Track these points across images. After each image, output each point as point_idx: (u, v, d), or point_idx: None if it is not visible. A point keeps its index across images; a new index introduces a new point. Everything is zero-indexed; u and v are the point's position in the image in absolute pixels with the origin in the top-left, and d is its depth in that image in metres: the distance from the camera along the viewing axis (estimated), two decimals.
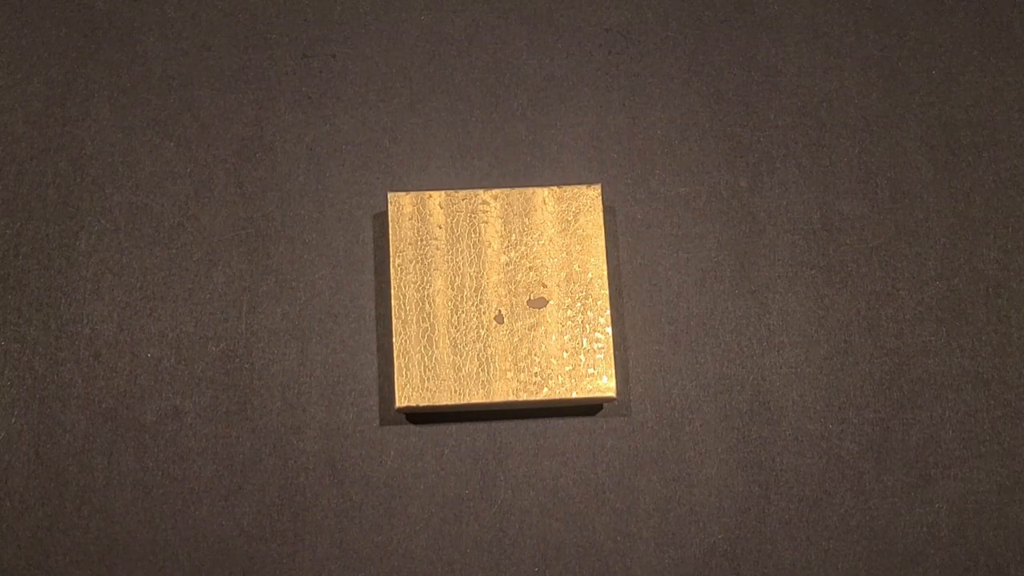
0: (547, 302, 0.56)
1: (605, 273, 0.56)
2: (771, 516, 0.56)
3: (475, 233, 0.57)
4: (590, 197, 0.57)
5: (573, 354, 0.55)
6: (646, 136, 0.61)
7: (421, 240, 0.57)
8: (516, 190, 0.57)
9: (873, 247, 0.60)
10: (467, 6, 0.63)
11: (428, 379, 0.55)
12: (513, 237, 0.57)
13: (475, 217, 0.57)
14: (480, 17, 0.63)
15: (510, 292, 0.56)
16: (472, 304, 0.56)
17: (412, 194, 0.57)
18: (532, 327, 0.56)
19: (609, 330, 0.55)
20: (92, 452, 0.56)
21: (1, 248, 0.59)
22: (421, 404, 0.55)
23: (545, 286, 0.56)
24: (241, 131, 0.61)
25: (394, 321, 0.55)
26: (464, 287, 0.56)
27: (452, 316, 0.56)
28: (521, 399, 0.55)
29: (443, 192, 0.57)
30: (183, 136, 0.61)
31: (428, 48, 0.62)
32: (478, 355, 0.55)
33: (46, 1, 0.63)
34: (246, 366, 0.57)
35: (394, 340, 0.55)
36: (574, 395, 0.55)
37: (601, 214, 0.57)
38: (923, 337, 0.58)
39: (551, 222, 0.57)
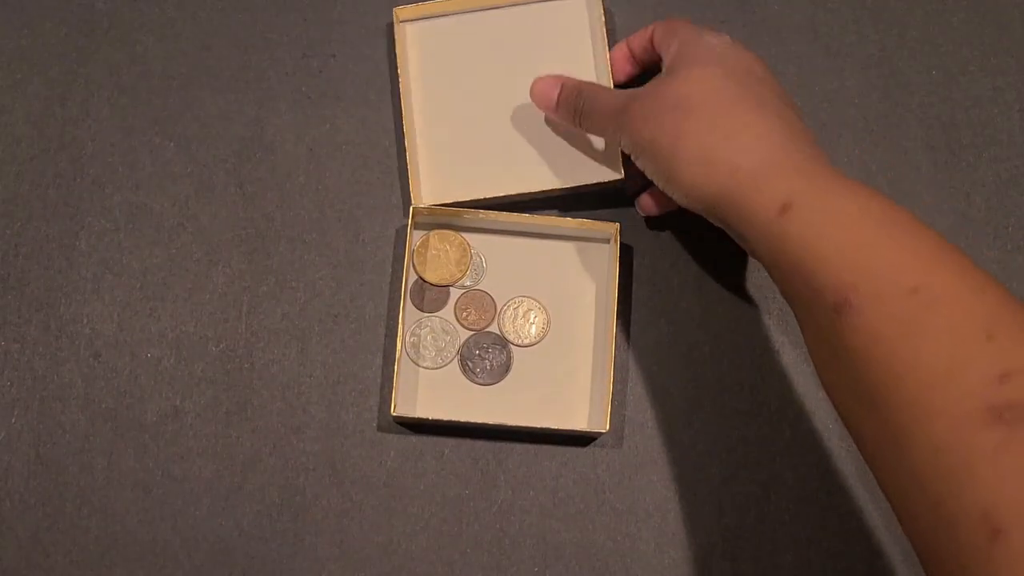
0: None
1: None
2: (771, 516, 0.56)
3: None
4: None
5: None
6: None
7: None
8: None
9: None
10: None
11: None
12: None
13: None
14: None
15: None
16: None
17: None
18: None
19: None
20: (92, 452, 0.56)
21: (1, 248, 0.59)
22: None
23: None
24: (241, 131, 0.61)
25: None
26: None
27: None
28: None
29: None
30: (183, 136, 0.61)
31: None
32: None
33: (46, 1, 0.63)
34: (246, 366, 0.57)
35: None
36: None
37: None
38: None
39: None
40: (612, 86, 0.58)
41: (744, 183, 0.46)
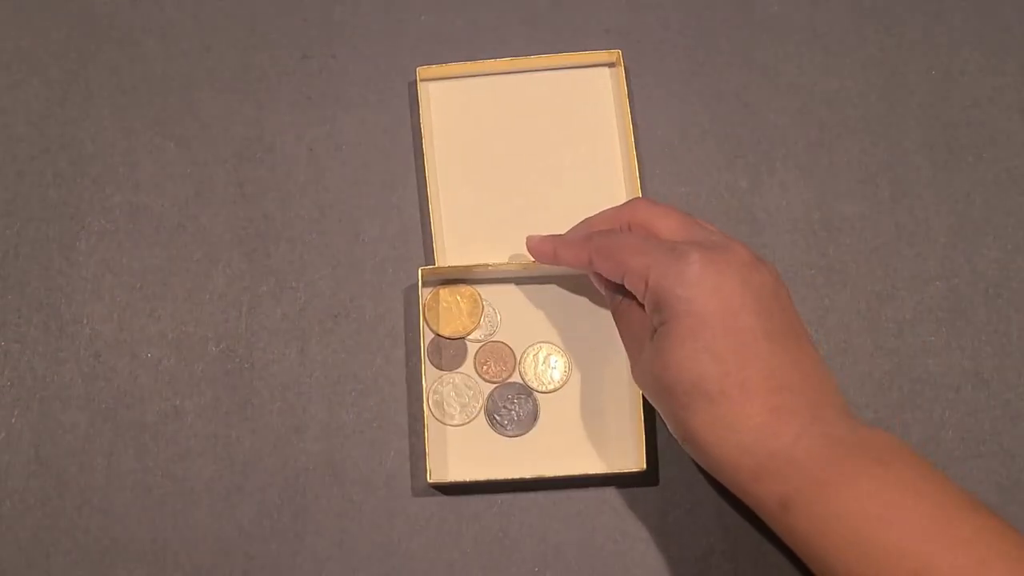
0: None
1: None
2: None
3: None
4: None
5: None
6: (646, 136, 0.61)
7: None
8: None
9: (873, 247, 0.60)
10: (467, 6, 0.63)
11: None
12: None
13: None
14: (480, 17, 0.63)
15: None
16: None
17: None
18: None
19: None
20: (92, 452, 0.56)
21: (1, 248, 0.59)
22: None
23: None
24: (241, 131, 0.61)
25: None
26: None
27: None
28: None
29: None
30: (183, 136, 0.61)
31: (428, 48, 0.62)
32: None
33: (46, 1, 0.63)
34: (246, 366, 0.57)
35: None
36: None
37: None
38: (923, 337, 0.58)
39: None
40: (635, 160, 0.58)
41: (746, 481, 0.47)
